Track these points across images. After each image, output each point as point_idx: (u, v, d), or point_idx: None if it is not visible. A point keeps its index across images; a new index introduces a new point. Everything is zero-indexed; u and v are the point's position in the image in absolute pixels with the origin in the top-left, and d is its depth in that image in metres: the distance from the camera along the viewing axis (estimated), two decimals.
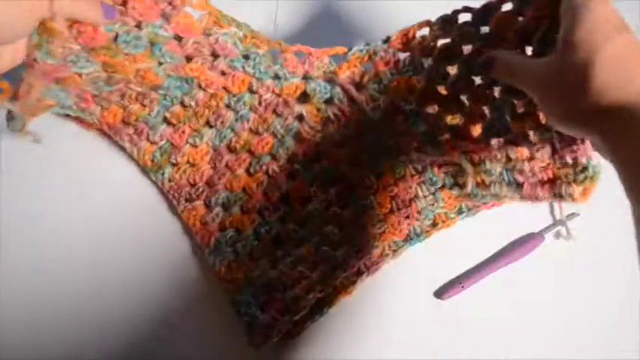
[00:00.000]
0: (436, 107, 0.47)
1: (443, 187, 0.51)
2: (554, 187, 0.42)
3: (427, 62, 0.47)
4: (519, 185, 0.44)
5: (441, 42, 0.45)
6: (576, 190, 0.41)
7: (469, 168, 0.47)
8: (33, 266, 0.51)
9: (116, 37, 0.42)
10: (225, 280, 0.49)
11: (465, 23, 0.44)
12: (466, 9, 0.44)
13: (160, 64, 0.45)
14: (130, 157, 0.54)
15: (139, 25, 0.43)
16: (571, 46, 0.35)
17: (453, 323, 0.50)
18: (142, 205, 0.54)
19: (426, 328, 0.50)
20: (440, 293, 0.51)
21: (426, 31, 0.47)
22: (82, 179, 0.55)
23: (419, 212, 0.50)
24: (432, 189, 0.51)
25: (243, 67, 0.50)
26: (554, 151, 0.42)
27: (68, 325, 0.50)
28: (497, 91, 0.43)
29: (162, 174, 0.52)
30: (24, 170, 0.55)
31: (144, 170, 0.53)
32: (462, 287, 0.50)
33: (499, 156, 0.45)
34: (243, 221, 0.50)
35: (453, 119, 0.47)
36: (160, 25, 0.44)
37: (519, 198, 0.45)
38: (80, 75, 0.42)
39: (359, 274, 0.50)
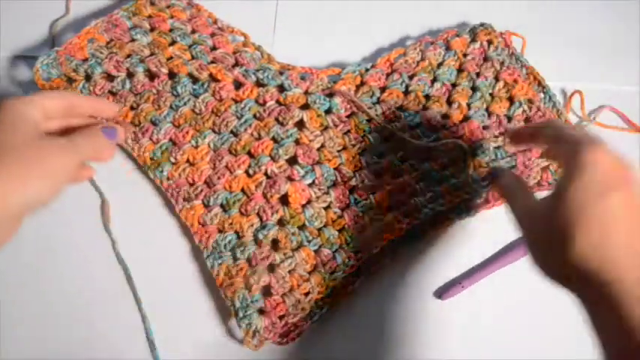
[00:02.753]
0: (424, 106, 0.55)
1: (441, 181, 0.51)
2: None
3: (409, 77, 0.57)
4: (512, 157, 0.53)
5: (418, 60, 0.57)
6: None
7: (465, 146, 0.51)
8: (27, 264, 0.51)
9: (172, 30, 0.57)
10: (223, 283, 0.48)
11: (435, 47, 0.57)
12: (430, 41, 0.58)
13: (192, 57, 0.56)
14: (129, 155, 0.54)
15: (193, 32, 0.58)
16: (562, 200, 0.35)
17: (453, 323, 0.50)
18: (139, 205, 0.53)
19: (426, 328, 0.50)
20: (440, 293, 0.50)
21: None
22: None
23: (418, 210, 0.50)
24: (431, 185, 0.51)
25: (255, 75, 0.55)
26: (527, 122, 0.55)
27: (59, 326, 0.49)
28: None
29: (161, 171, 0.52)
30: None
31: (142, 169, 0.53)
32: (462, 287, 0.50)
33: (488, 135, 0.53)
34: (242, 224, 0.50)
35: (440, 111, 0.55)
36: (206, 37, 0.57)
37: (515, 169, 0.52)
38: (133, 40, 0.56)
39: (358, 274, 0.50)
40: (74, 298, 0.50)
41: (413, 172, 0.51)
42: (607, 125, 0.57)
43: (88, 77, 0.55)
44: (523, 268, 0.51)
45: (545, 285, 0.51)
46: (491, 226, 0.52)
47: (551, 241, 0.35)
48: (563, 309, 0.49)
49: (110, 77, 0.55)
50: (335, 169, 0.52)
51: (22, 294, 0.50)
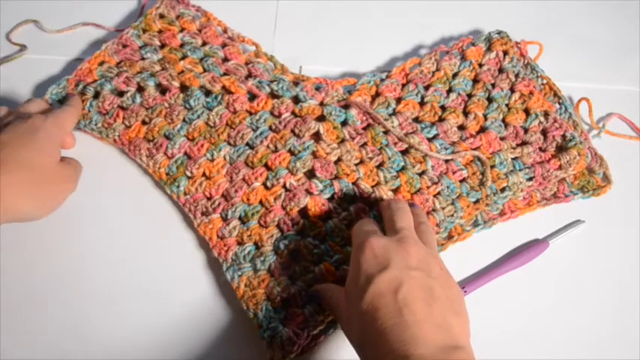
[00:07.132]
0: (440, 117, 0.55)
1: (460, 195, 0.51)
2: (558, 159, 0.52)
3: (424, 87, 0.57)
4: (530, 168, 0.52)
5: (433, 70, 0.58)
6: (573, 153, 0.52)
7: (483, 157, 0.52)
8: (42, 281, 0.50)
9: (182, 45, 0.57)
10: (244, 295, 0.48)
11: (450, 56, 0.57)
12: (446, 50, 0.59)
13: (204, 70, 0.56)
14: (145, 171, 0.54)
15: (204, 44, 0.58)
16: (347, 298, 0.42)
17: None
18: (155, 220, 0.53)
19: None
20: None
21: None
22: (95, 193, 0.54)
23: (437, 225, 0.50)
24: (450, 198, 0.51)
25: (269, 87, 0.54)
26: (544, 134, 0.54)
27: (78, 339, 0.48)
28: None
29: (178, 187, 0.52)
30: None
31: (158, 184, 0.53)
32: (465, 292, 0.49)
33: (505, 146, 0.53)
34: (261, 235, 0.50)
35: (457, 122, 0.55)
36: (217, 48, 0.57)
37: (533, 181, 0.52)
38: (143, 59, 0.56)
39: None
40: (74, 298, 0.49)
41: (431, 185, 0.51)
42: (616, 133, 0.58)
43: (96, 94, 0.54)
44: (526, 275, 0.51)
45: (547, 291, 0.51)
46: (496, 231, 0.53)
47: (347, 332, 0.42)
48: (567, 315, 0.50)
49: (120, 92, 0.55)
50: (353, 183, 0.51)
51: (22, 294, 0.50)
